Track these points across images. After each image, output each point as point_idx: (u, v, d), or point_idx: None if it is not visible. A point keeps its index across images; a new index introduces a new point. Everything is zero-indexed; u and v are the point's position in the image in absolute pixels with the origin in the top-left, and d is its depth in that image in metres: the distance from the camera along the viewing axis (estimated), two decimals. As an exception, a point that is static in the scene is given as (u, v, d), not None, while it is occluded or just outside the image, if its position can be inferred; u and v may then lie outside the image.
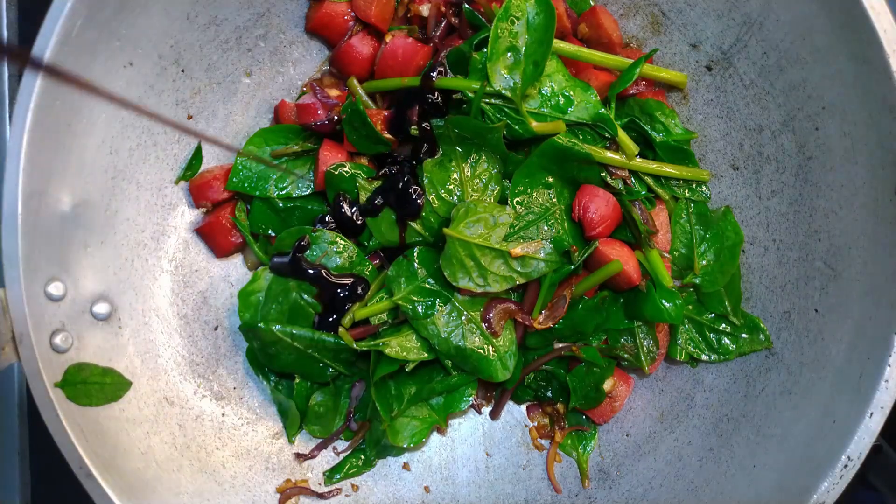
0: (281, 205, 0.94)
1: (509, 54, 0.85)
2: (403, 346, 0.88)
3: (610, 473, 0.95)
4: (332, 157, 0.91)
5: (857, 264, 0.81)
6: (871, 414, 0.75)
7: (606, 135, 0.89)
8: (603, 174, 0.90)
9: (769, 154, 0.90)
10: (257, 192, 0.93)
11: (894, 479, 0.95)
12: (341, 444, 0.96)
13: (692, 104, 0.96)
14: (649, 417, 0.96)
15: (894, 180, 0.77)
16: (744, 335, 0.92)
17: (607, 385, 0.93)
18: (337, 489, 0.93)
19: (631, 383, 0.97)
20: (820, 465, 0.76)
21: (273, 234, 0.95)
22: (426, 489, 0.96)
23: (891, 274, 0.77)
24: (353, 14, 0.93)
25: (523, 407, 1.00)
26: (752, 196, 0.93)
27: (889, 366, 0.75)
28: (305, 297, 0.90)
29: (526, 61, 0.85)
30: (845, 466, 0.75)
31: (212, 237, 0.95)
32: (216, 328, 0.95)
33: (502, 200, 0.90)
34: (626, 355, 0.93)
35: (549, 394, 0.97)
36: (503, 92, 0.85)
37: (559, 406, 0.97)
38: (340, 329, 0.89)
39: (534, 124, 0.86)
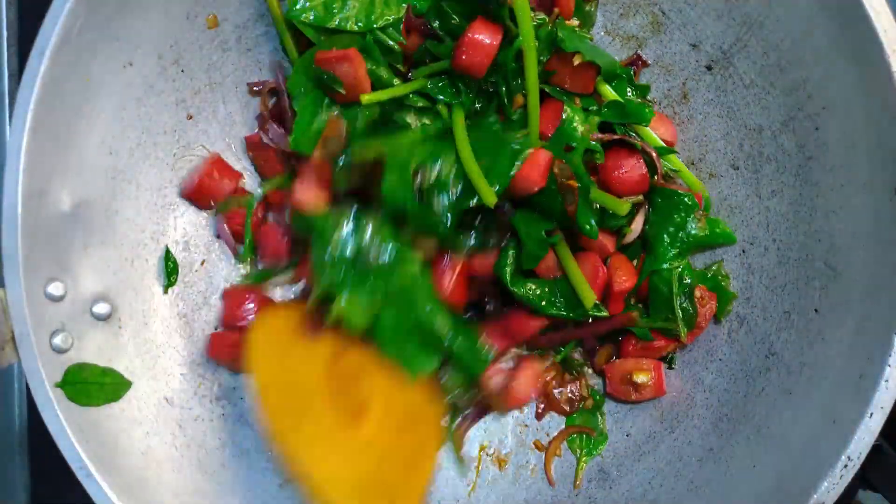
0: None
1: None
2: None
3: (610, 473, 0.95)
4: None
5: (857, 264, 0.81)
6: (871, 414, 0.75)
7: None
8: None
9: (769, 154, 0.90)
10: None
11: (894, 479, 0.95)
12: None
13: (692, 104, 0.96)
14: (649, 417, 0.96)
15: (894, 180, 0.77)
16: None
17: (641, 378, 0.93)
18: None
19: (662, 388, 0.95)
20: (820, 465, 0.76)
21: None
22: (426, 489, 0.96)
23: (891, 274, 0.77)
24: None
25: (523, 406, 1.00)
26: (752, 196, 0.93)
27: (889, 366, 0.75)
28: None
29: None
30: (845, 466, 0.75)
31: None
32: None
33: None
34: None
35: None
36: None
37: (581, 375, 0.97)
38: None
39: None
